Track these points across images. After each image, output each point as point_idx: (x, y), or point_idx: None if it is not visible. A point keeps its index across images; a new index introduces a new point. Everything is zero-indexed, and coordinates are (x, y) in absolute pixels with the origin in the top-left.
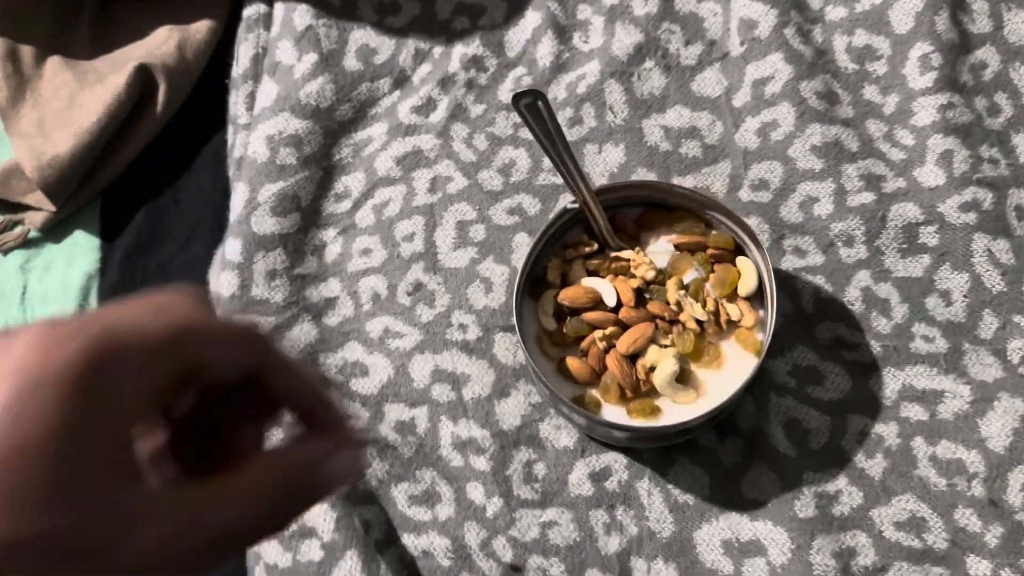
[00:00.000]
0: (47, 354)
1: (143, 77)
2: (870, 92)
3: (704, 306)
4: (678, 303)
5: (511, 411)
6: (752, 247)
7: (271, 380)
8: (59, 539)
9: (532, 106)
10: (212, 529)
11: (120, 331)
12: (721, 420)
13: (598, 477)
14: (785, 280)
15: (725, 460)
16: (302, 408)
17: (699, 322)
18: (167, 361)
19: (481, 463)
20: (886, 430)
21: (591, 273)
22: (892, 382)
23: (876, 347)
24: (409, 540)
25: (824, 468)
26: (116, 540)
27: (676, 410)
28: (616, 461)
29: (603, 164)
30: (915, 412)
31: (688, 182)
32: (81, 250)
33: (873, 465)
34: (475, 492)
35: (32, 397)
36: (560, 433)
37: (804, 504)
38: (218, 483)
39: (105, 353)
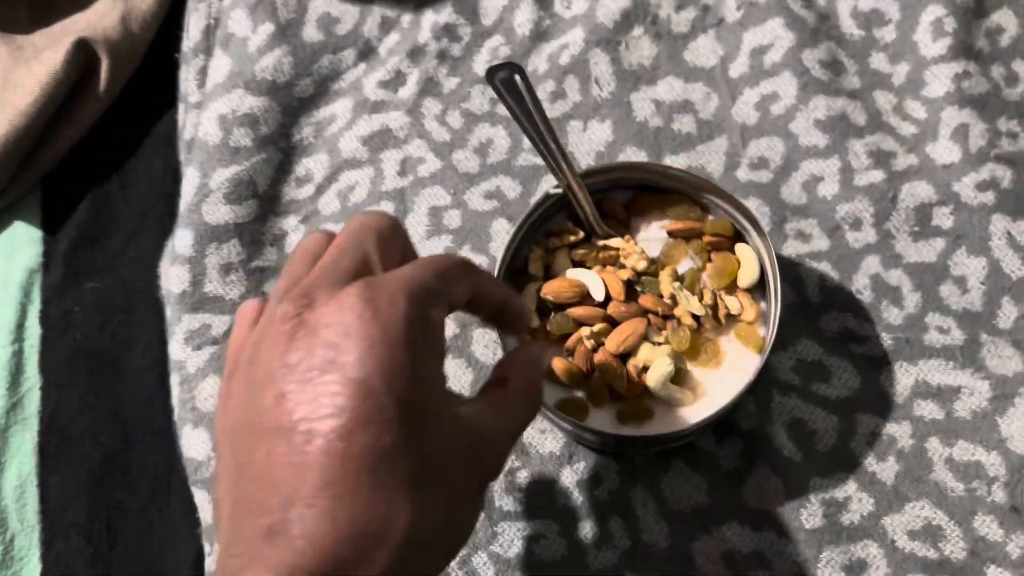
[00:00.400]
0: (386, 318)
1: (83, 52)
2: (878, 60)
3: (701, 299)
4: (672, 296)
5: None
6: (753, 233)
7: (485, 293)
8: (437, 461)
9: (509, 81)
10: (510, 429)
11: (417, 290)
12: (720, 421)
13: (587, 485)
14: (788, 268)
15: (725, 465)
16: (502, 314)
17: (695, 317)
18: (445, 303)
19: None
20: (898, 430)
21: (577, 264)
22: (904, 378)
23: (887, 340)
24: None
25: (832, 473)
26: (456, 452)
27: (671, 413)
28: (606, 468)
29: (588, 143)
30: (930, 410)
31: (681, 161)
32: (21, 243)
33: (885, 469)
34: None
35: (394, 355)
36: (545, 438)
37: (811, 513)
38: (501, 395)
39: (423, 308)
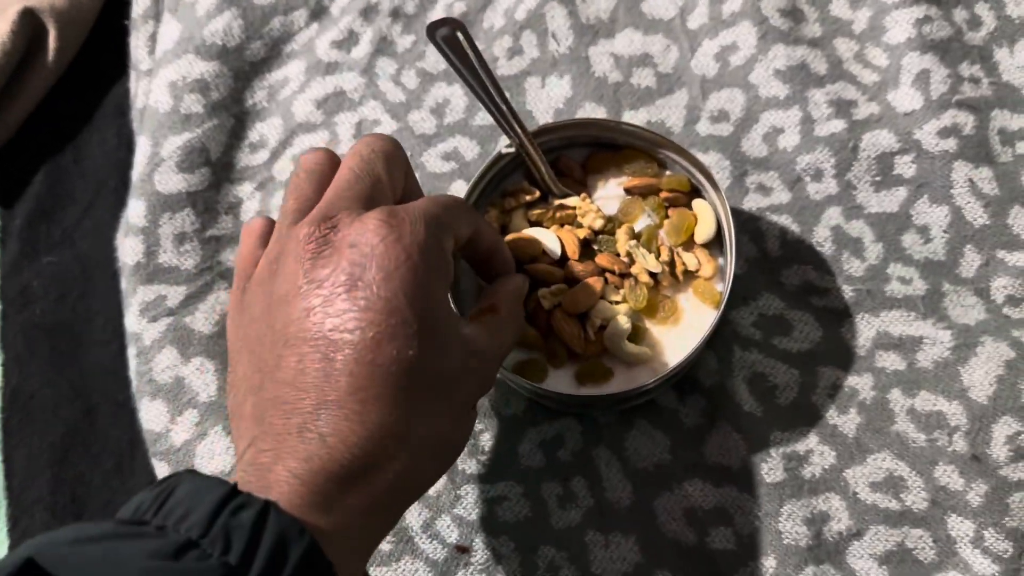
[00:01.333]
0: (409, 243)
1: (30, 23)
2: (838, 7)
3: (658, 256)
4: (629, 254)
5: None
6: (709, 188)
7: (482, 233)
8: (449, 374)
9: (451, 38)
10: (500, 349)
11: (432, 219)
12: (681, 378)
13: (550, 446)
14: (748, 221)
15: (687, 422)
16: (492, 254)
17: (652, 275)
18: (452, 235)
19: None
20: (860, 382)
21: (533, 224)
22: (866, 329)
23: (848, 291)
24: None
25: (793, 427)
26: (462, 367)
27: (630, 372)
28: (569, 428)
29: (547, 99)
30: (891, 362)
31: (641, 116)
32: None
33: (846, 421)
34: None
35: (416, 275)
36: (507, 400)
37: (772, 467)
38: (493, 320)
39: (438, 235)
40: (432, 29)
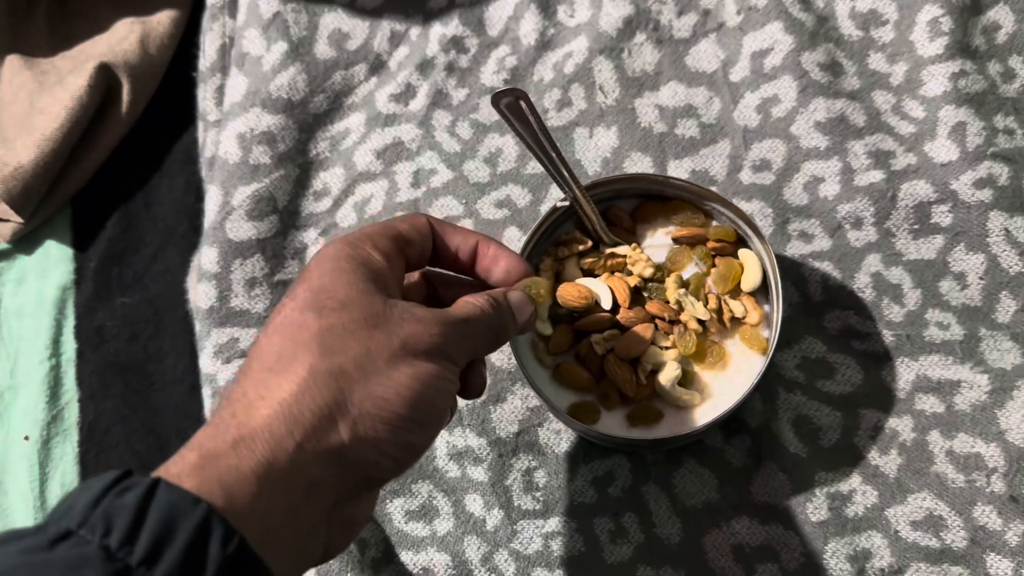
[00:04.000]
0: (321, 252)
1: (105, 77)
2: (876, 61)
3: (706, 304)
4: (678, 302)
5: (508, 417)
6: (754, 238)
7: (445, 238)
8: (339, 323)
9: (513, 106)
10: (440, 318)
11: (353, 235)
12: (728, 419)
13: (601, 483)
14: (791, 267)
15: (733, 461)
16: (474, 256)
17: (701, 322)
18: (386, 240)
19: (479, 473)
20: (900, 424)
21: (586, 272)
22: (906, 373)
23: (888, 336)
24: (408, 557)
25: (836, 467)
26: (366, 321)
27: (680, 414)
28: (619, 466)
29: (595, 149)
30: (930, 404)
31: (686, 165)
32: (54, 261)
33: (888, 462)
34: (474, 504)
35: (314, 268)
36: (560, 438)
37: (817, 506)
38: (497, 297)
39: (351, 241)
40: (497, 99)
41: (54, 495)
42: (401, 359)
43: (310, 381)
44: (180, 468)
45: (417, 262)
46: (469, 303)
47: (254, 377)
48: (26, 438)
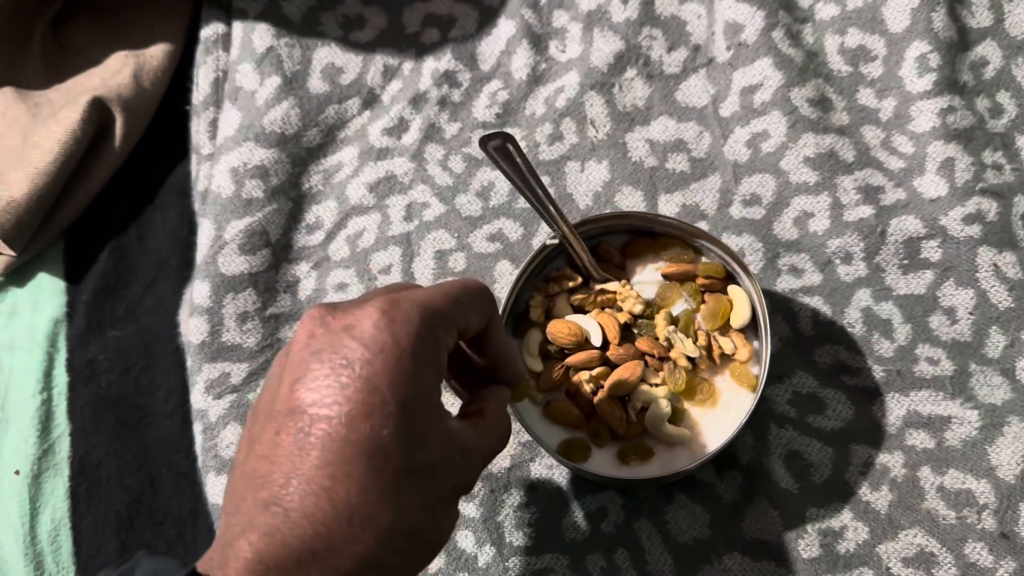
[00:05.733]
0: (399, 331)
1: (99, 110)
2: (865, 96)
3: (695, 341)
4: (668, 339)
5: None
6: (743, 276)
7: (493, 332)
8: (426, 464)
9: (501, 148)
10: (484, 451)
11: (431, 311)
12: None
13: (594, 519)
14: (781, 302)
15: (725, 497)
16: (499, 358)
17: (691, 359)
18: (455, 330)
19: (471, 509)
20: (891, 460)
21: (576, 309)
22: (896, 408)
23: (879, 371)
24: None
25: (828, 503)
26: (441, 459)
27: (670, 451)
28: (611, 501)
29: (586, 183)
30: (921, 440)
31: (676, 199)
32: (46, 294)
33: (879, 498)
34: (466, 541)
35: (400, 362)
36: (552, 473)
37: (808, 543)
38: (479, 422)
39: (434, 326)
40: (484, 141)
41: (45, 530)
42: (445, 507)
43: (389, 542)
44: (243, 569)
45: None
46: (496, 439)
47: (338, 511)
48: (16, 472)
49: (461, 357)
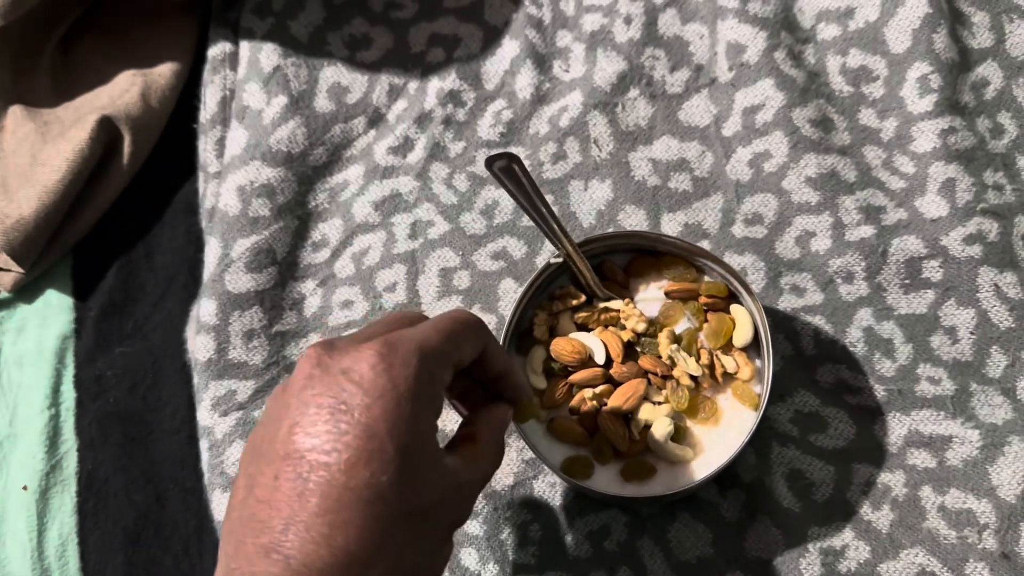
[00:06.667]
0: (397, 376)
1: (107, 129)
2: (867, 116)
3: (698, 359)
4: (671, 358)
5: (503, 469)
6: (745, 295)
7: (490, 357)
8: (424, 506)
9: (507, 168)
10: (478, 481)
11: (428, 353)
12: (721, 473)
13: (596, 537)
14: (783, 321)
15: (727, 515)
16: (501, 378)
17: (693, 377)
18: (451, 365)
19: (474, 527)
20: (893, 479)
21: (580, 326)
22: (898, 427)
23: (880, 391)
24: None
25: (829, 522)
26: (437, 499)
27: (673, 469)
28: (614, 519)
29: (590, 202)
30: (922, 459)
31: (679, 218)
32: (54, 310)
33: (880, 517)
34: (469, 559)
35: (399, 407)
36: (555, 491)
37: (810, 562)
38: (472, 450)
39: (431, 367)
40: (490, 162)
41: (52, 545)
42: (441, 545)
43: None
44: None
45: None
46: (489, 464)
47: (337, 558)
48: (24, 488)
49: (463, 378)
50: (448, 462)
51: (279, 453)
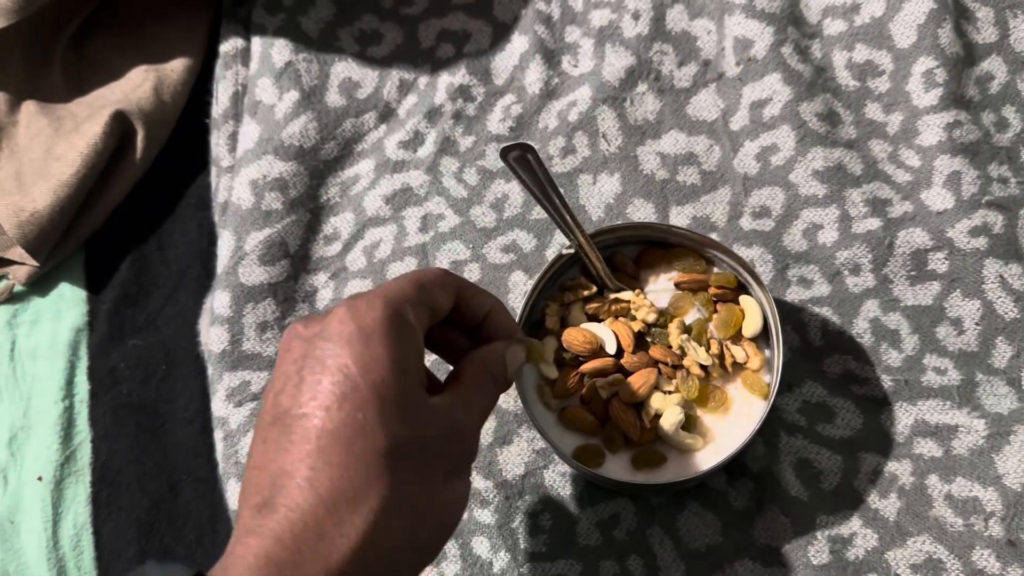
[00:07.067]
0: (363, 319)
1: (120, 124)
2: (873, 111)
3: (708, 349)
4: (681, 348)
5: (514, 459)
6: (755, 286)
7: (469, 299)
8: (409, 438)
9: (521, 159)
10: (472, 417)
11: (394, 296)
12: (730, 462)
13: (606, 526)
14: (791, 313)
15: (736, 504)
16: (488, 320)
17: (703, 367)
18: (424, 308)
19: (486, 516)
20: (899, 468)
21: (591, 317)
22: (904, 417)
23: (887, 381)
24: None
25: (837, 510)
26: (427, 434)
27: (683, 458)
28: (624, 508)
29: (598, 195)
30: (929, 448)
31: (687, 211)
32: (68, 303)
33: (887, 505)
34: (481, 547)
35: (368, 347)
36: (565, 480)
37: (818, 550)
38: (458, 387)
39: (398, 308)
40: (505, 152)
41: (67, 535)
42: (449, 483)
43: (382, 521)
44: (243, 571)
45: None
46: (482, 399)
47: (322, 498)
48: (39, 478)
49: (451, 331)
50: (436, 400)
51: (267, 420)
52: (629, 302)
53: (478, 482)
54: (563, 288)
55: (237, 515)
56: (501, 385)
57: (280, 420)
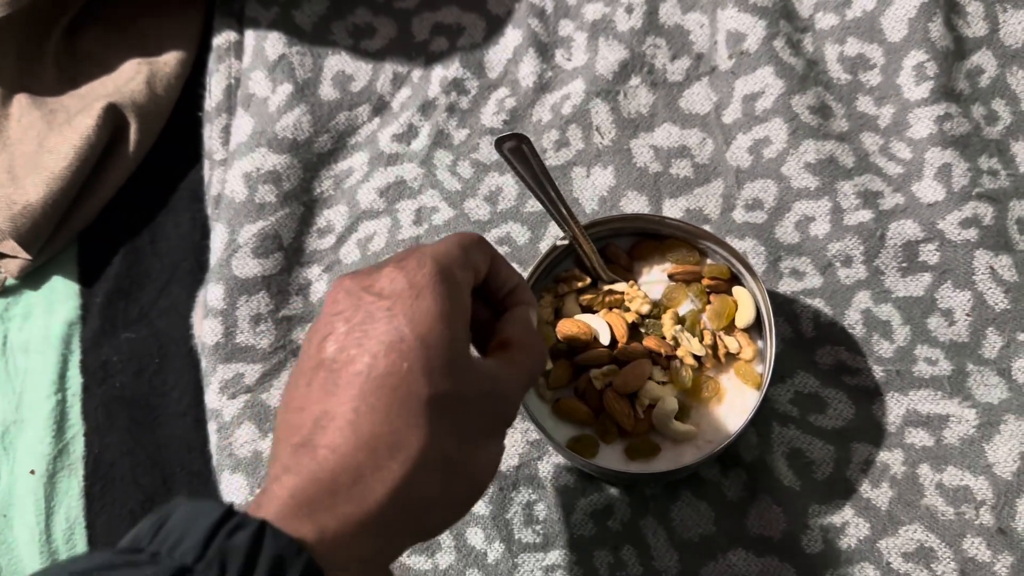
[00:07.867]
0: (414, 276)
1: (113, 116)
2: (864, 103)
3: (701, 340)
4: (674, 338)
5: (509, 450)
6: (748, 277)
7: (497, 270)
8: (452, 392)
9: (516, 150)
10: (521, 381)
11: (443, 256)
12: (723, 452)
13: (600, 516)
14: (783, 304)
15: (729, 494)
16: (514, 291)
17: (697, 357)
18: (469, 269)
19: (480, 506)
20: (891, 458)
21: (585, 308)
22: (896, 407)
23: (879, 372)
24: None
25: (829, 500)
26: (469, 390)
27: (676, 448)
28: (618, 499)
29: (592, 188)
30: (920, 438)
31: (680, 204)
32: (60, 296)
33: (879, 495)
34: (475, 537)
35: (418, 301)
36: (559, 471)
37: (810, 539)
38: (509, 356)
39: (447, 267)
40: (500, 142)
41: (60, 529)
42: (484, 442)
43: (419, 470)
44: (278, 508)
45: None
46: (530, 360)
47: (363, 441)
48: (32, 472)
49: (476, 312)
50: (482, 362)
51: (310, 365)
52: (623, 293)
53: None
54: (557, 280)
55: (272, 455)
56: (545, 351)
57: (325, 365)
